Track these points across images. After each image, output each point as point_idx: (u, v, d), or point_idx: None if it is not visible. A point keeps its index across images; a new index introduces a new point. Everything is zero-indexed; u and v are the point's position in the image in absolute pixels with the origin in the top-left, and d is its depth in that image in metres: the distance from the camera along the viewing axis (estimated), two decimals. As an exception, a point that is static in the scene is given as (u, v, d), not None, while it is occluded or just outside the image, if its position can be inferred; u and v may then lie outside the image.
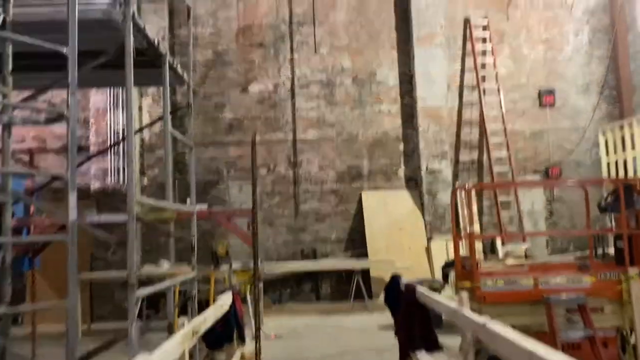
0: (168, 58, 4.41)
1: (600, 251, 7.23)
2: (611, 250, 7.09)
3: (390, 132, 11.15)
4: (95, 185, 10.04)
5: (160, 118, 5.07)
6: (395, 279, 5.15)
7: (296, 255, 10.71)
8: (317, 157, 10.99)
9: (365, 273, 10.02)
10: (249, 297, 7.79)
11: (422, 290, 4.17)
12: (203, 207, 7.78)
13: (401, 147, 11.15)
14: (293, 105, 11.04)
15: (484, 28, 11.25)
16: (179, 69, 4.79)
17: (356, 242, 10.73)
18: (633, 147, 9.76)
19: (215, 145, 10.85)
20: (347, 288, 10.17)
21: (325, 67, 11.13)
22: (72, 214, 3.04)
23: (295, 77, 11.07)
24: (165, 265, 9.15)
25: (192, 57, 5.31)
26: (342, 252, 10.76)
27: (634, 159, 9.76)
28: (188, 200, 5.69)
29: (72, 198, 3.04)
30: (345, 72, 11.16)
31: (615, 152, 10.36)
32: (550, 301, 5.22)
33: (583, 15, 11.41)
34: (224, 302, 4.29)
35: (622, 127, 10.17)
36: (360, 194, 10.88)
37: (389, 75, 11.23)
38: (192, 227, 4.89)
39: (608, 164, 10.62)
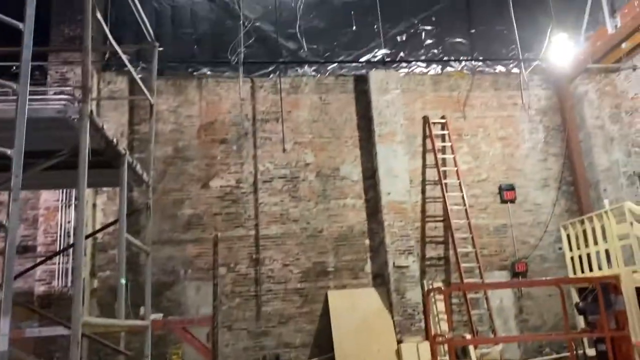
0: (127, 158, 4.11)
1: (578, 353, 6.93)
2: (590, 352, 6.82)
3: (356, 227, 10.94)
4: (39, 288, 9.22)
5: (115, 221, 4.66)
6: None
7: (257, 362, 9.94)
8: (281, 254, 10.57)
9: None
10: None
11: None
12: (158, 316, 7.15)
13: (367, 242, 10.91)
14: (256, 200, 10.76)
15: (442, 126, 11.55)
16: (139, 169, 4.48)
17: (322, 347, 10.08)
18: (595, 242, 9.80)
19: (172, 243, 10.31)
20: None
21: (289, 162, 11.04)
22: (3, 344, 2.54)
23: (258, 172, 10.89)
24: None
25: (152, 155, 5.02)
26: (307, 358, 10.06)
27: (597, 253, 9.78)
28: (142, 309, 5.15)
29: (5, 324, 2.55)
30: (309, 167, 11.08)
31: (578, 247, 10.39)
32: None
33: (536, 115, 11.92)
34: None
35: (582, 222, 10.28)
36: (327, 294, 10.40)
37: (353, 170, 11.21)
38: (145, 344, 4.33)
39: (572, 259, 10.59)
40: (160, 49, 10.69)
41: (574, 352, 6.12)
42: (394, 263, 10.48)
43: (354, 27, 11.62)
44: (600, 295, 5.74)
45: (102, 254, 9.93)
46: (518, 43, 10.27)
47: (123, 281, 3.81)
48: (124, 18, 10.48)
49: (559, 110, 11.96)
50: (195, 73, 11.18)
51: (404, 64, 11.75)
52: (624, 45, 10.27)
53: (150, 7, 10.96)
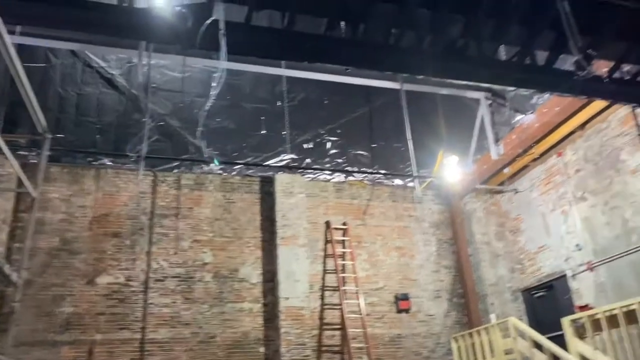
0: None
1: None
2: None
3: (251, 333, 10.50)
4: None
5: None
6: None
7: None
8: (168, 361, 9.81)
9: None
10: None
11: None
12: None
13: (262, 349, 10.45)
14: (145, 300, 10.10)
15: (344, 232, 11.81)
16: (7, 269, 4.07)
17: None
18: (484, 356, 10.07)
19: (44, 345, 9.25)
20: None
21: (186, 261, 10.62)
22: None
23: (151, 270, 10.33)
24: None
25: (27, 252, 4.60)
26: None
27: (485, 367, 10.02)
28: None
29: None
30: (207, 267, 10.71)
31: (467, 359, 10.60)
32: None
33: (430, 228, 12.57)
34: None
35: (471, 335, 10.60)
36: (213, 406, 9.66)
37: (253, 272, 10.98)
38: None
39: (463, 371, 10.76)
40: (60, 136, 10.36)
41: None
42: (288, 373, 10.06)
43: (263, 131, 11.94)
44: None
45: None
46: (413, 161, 11.02)
47: None
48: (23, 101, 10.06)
49: (450, 224, 12.71)
50: (94, 163, 10.77)
51: (309, 170, 12.12)
52: (506, 170, 11.34)
53: (54, 92, 10.66)
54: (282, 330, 10.34)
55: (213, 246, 10.92)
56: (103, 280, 10.02)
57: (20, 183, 9.84)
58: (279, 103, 11.90)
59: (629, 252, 8.82)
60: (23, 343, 9.05)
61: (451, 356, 11.24)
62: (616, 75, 6.12)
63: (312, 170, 12.14)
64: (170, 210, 10.93)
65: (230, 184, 11.57)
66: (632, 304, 8.21)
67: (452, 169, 11.36)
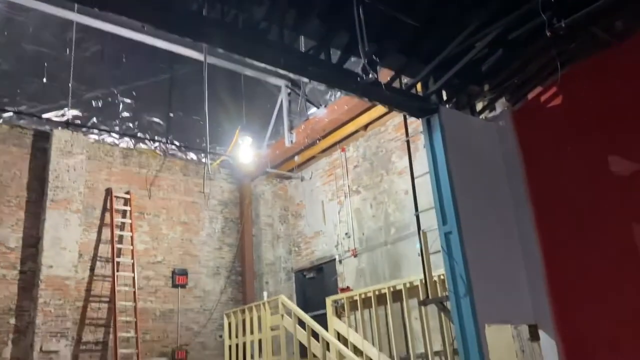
0: None
1: None
2: None
3: (2, 302, 9.31)
4: None
5: None
6: None
7: None
8: None
9: None
10: None
11: None
12: None
13: (12, 321, 9.35)
14: None
15: (126, 202, 11.18)
16: None
17: None
18: (252, 332, 10.50)
19: None
20: None
21: None
22: None
23: None
24: None
25: None
26: None
27: (252, 342, 10.46)
28: None
29: None
30: (-49, 225, 9.17)
31: (237, 335, 10.94)
32: None
33: (218, 205, 12.61)
34: None
35: (243, 312, 10.95)
36: (-60, 385, 8.34)
37: (11, 235, 9.73)
38: None
39: (230, 347, 11.07)
40: None
41: None
42: (41, 347, 9.16)
43: (44, 79, 10.62)
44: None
45: None
46: (207, 135, 10.91)
47: None
48: None
49: (238, 204, 12.92)
50: None
51: (94, 130, 11.16)
52: (296, 158, 11.93)
53: None
54: (40, 300, 9.38)
55: (-37, 201, 9.39)
56: None
57: None
58: (68, 51, 10.69)
59: (387, 243, 10.02)
60: None
61: (221, 332, 11.49)
62: (395, 84, 6.84)
63: (97, 131, 11.21)
64: None
65: (-4, 133, 10.06)
66: (383, 288, 9.36)
67: (246, 149, 11.54)
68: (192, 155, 12.55)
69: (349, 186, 11.17)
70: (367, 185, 10.75)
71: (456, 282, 6.44)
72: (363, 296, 9.67)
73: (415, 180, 7.63)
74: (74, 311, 9.85)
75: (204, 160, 12.49)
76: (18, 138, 10.30)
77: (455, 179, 6.77)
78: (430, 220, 7.91)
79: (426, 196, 8.14)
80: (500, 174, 7.20)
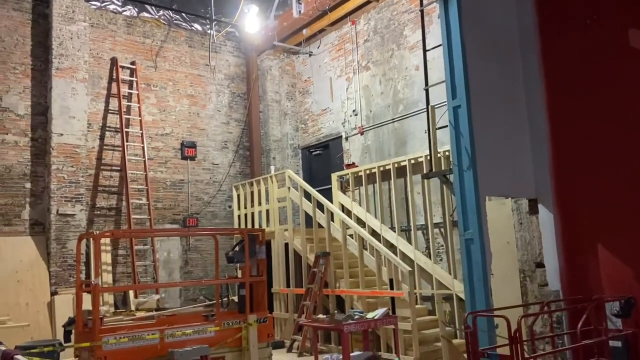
0: None
1: (224, 300, 7.56)
2: (235, 298, 7.51)
3: (16, 168, 9.60)
4: None
5: None
6: (-11, 347, 4.13)
7: None
8: None
9: (-38, 339, 8.06)
10: None
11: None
12: None
13: (28, 185, 9.70)
14: None
15: (132, 73, 11.05)
16: None
17: (-47, 301, 8.59)
18: (260, 203, 10.89)
19: None
20: None
21: None
22: None
23: None
24: None
25: None
26: None
27: (260, 213, 10.89)
28: None
29: None
30: (-41, 90, 9.18)
31: (245, 206, 11.37)
32: (174, 356, 5.05)
33: (225, 80, 12.45)
34: None
35: (251, 184, 11.28)
36: (-35, 240, 8.86)
37: (19, 103, 9.76)
38: None
39: (239, 217, 11.55)
40: None
41: (220, 297, 6.63)
42: (57, 210, 9.59)
43: (40, -62, 10.00)
44: (246, 245, 6.36)
45: None
46: (213, 3, 10.43)
47: None
48: None
49: (245, 79, 12.75)
50: None
51: (96, -4, 10.74)
52: (304, 31, 11.52)
53: None
54: (53, 167, 9.64)
55: (-32, 67, 9.31)
56: None
57: None
58: None
59: (394, 120, 9.99)
60: None
61: (231, 202, 11.92)
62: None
63: (99, -4, 10.78)
64: None
65: (-6, -5, 9.69)
66: (388, 164, 9.51)
67: (252, 18, 11.13)
68: (197, 26, 12.15)
69: (358, 62, 10.90)
70: (377, 61, 10.49)
71: (460, 155, 6.50)
72: (368, 172, 9.86)
73: (427, 54, 7.40)
74: (87, 178, 10.15)
75: (209, 31, 12.11)
76: (17, 2, 9.94)
77: (469, 52, 6.57)
78: (439, 96, 7.83)
79: (436, 72, 7.98)
80: (515, 48, 6.97)
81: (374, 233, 9.41)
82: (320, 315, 7.42)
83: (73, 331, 7.36)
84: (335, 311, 8.05)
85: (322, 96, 11.82)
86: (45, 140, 9.83)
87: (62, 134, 9.80)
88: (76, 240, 9.47)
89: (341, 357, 6.50)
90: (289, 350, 8.80)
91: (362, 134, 10.71)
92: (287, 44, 12.10)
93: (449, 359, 7.25)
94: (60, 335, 8.31)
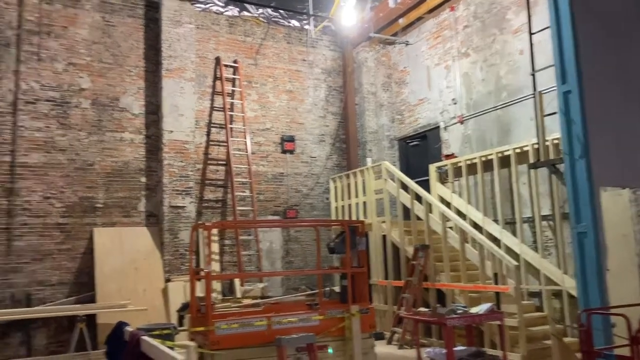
0: None
1: (327, 290, 7.71)
2: (337, 289, 7.64)
3: (132, 163, 10.38)
4: None
5: None
6: (119, 327, 4.53)
7: (4, 301, 8.93)
8: (42, 185, 9.52)
9: (93, 320, 8.91)
10: None
11: (147, 340, 3.69)
12: None
13: (143, 180, 10.46)
14: (14, 123, 9.42)
15: (234, 71, 11.52)
16: None
17: (84, 285, 9.49)
18: (356, 195, 10.96)
19: None
20: (69, 337, 8.86)
21: (60, 85, 9.87)
22: None
23: (19, 91, 9.51)
24: None
25: None
26: (64, 296, 9.38)
27: (357, 205, 10.97)
28: None
29: None
30: (84, 93, 10.07)
31: (342, 198, 11.50)
32: (281, 343, 5.24)
33: (322, 74, 12.63)
34: None
35: (348, 176, 11.37)
36: (92, 231, 9.74)
37: (134, 103, 10.53)
38: None
39: (336, 208, 11.71)
40: None
41: (322, 286, 6.79)
42: (169, 203, 10.27)
43: (150, -52, 10.71)
44: (347, 236, 6.44)
45: None
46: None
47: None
48: None
49: (341, 72, 12.85)
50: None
51: (200, -1, 11.31)
52: (400, 20, 11.38)
53: None
54: (165, 162, 10.32)
55: (91, 71, 10.17)
56: (-38, 97, 9.10)
57: None
58: None
59: (496, 108, 9.60)
60: None
61: (328, 194, 12.11)
62: None
63: (203, -1, 11.35)
64: (41, 27, 9.81)
65: (111, 4, 10.50)
66: (490, 154, 9.17)
67: (349, 11, 11.17)
68: (294, 22, 12.42)
69: (457, 49, 10.58)
70: (478, 47, 10.12)
71: (572, 144, 6.15)
72: (468, 162, 9.57)
73: (533, 38, 7.04)
74: (195, 172, 10.76)
75: (306, 26, 12.33)
76: (131, 9, 10.71)
77: (579, 34, 6.19)
78: (546, 81, 7.42)
79: (542, 56, 7.56)
80: (632, 28, 6.44)
81: (475, 226, 9.13)
82: (422, 309, 7.35)
83: (185, 316, 7.88)
84: (437, 305, 7.92)
85: (419, 86, 11.63)
86: (158, 137, 10.53)
87: (172, 131, 10.45)
88: (186, 230, 10.18)
89: (444, 351, 6.41)
90: (389, 342, 8.81)
91: (462, 123, 10.40)
92: (382, 35, 12.03)
93: (560, 357, 6.88)
94: (173, 319, 8.93)
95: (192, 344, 2.75)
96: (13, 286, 9.06)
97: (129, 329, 4.42)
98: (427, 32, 11.39)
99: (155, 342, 3.52)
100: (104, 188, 10.04)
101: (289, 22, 12.36)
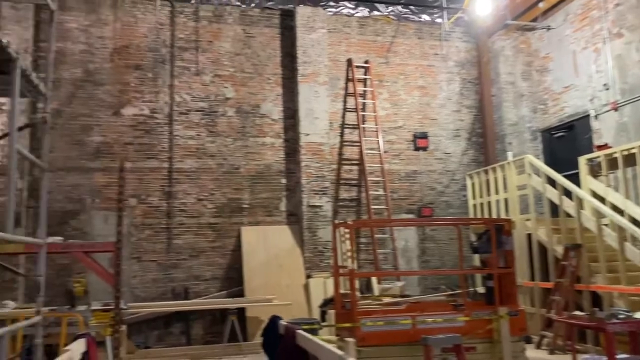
0: (20, 63, 3.77)
1: (470, 290, 7.47)
2: (481, 290, 7.37)
3: (273, 166, 10.95)
4: None
5: (7, 134, 4.33)
6: (274, 320, 4.80)
7: (166, 294, 9.92)
8: (195, 189, 10.41)
9: (242, 313, 9.55)
10: (108, 341, 6.93)
11: (303, 334, 3.87)
12: (57, 239, 6.85)
13: (283, 181, 10.97)
14: (171, 132, 10.42)
15: (365, 71, 11.62)
16: (34, 78, 4.14)
17: (233, 280, 10.22)
18: (496, 192, 10.47)
19: (78, 171, 9.83)
20: (221, 329, 9.59)
21: (208, 95, 10.72)
22: None
23: (174, 103, 10.50)
24: (10, 306, 7.95)
25: (52, 64, 4.65)
26: (217, 290, 10.17)
27: (497, 202, 10.47)
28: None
29: None
30: (229, 102, 10.83)
31: (480, 195, 11.06)
32: (428, 342, 5.19)
33: (455, 67, 12.27)
34: (73, 352, 3.63)
35: (486, 172, 10.91)
36: (240, 229, 10.44)
37: (273, 109, 11.09)
38: (39, 263, 4.14)
39: (474, 206, 11.29)
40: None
41: (466, 287, 6.60)
42: (308, 202, 10.66)
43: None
44: (493, 236, 6.18)
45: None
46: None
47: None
48: None
49: (476, 63, 12.37)
50: (109, -10, 10.40)
51: (332, 3, 11.57)
52: (540, 4, 10.67)
53: None
54: (303, 163, 10.73)
55: (234, 81, 10.92)
56: (128, 111, 10.26)
57: (37, 9, 9.70)
58: None
59: (658, 91, 8.60)
60: (59, 169, 9.62)
61: (465, 192, 11.72)
62: None
63: (334, 3, 11.59)
64: (190, 43, 10.76)
65: (250, 16, 11.18)
66: (652, 143, 8.23)
67: (483, 1, 10.71)
68: (425, 17, 12.21)
69: (608, 29, 9.65)
70: (632, 26, 9.14)
71: None
72: (625, 153, 8.67)
73: None
74: (330, 172, 11.05)
75: (438, 20, 12.06)
76: (268, 19, 11.29)
77: None
78: None
79: None
80: None
81: (635, 222, 8.25)
82: (577, 312, 6.82)
83: (327, 311, 8.11)
84: (595, 309, 7.30)
85: (563, 72, 10.79)
86: (295, 140, 10.98)
87: (308, 134, 10.84)
88: (324, 229, 10.50)
89: (604, 358, 5.89)
90: (538, 346, 8.31)
91: (616, 110, 9.47)
92: (520, 21, 11.36)
93: None
94: (315, 314, 9.25)
95: (350, 339, 2.83)
96: (174, 280, 10.01)
97: (283, 322, 4.68)
98: (572, 14, 10.52)
99: (313, 337, 3.68)
100: (249, 190, 10.70)
101: (420, 17, 12.18)
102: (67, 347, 3.78)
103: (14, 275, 8.76)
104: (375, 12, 11.93)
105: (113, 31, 10.35)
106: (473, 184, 11.34)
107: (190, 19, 10.80)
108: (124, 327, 6.46)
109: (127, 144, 10.16)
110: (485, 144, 12.13)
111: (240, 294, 9.90)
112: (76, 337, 4.24)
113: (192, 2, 10.79)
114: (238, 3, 11.09)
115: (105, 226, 9.73)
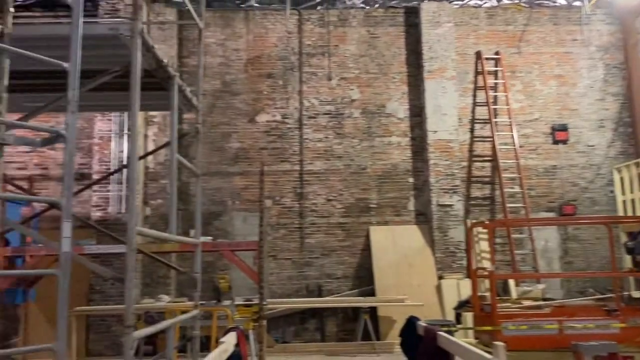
0: (177, 80, 4.18)
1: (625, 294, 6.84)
2: (636, 294, 6.72)
3: (400, 165, 10.90)
4: (96, 214, 9.73)
5: (167, 144, 4.80)
6: (411, 321, 4.78)
7: (301, 291, 10.32)
8: (325, 189, 10.71)
9: (373, 311, 9.63)
10: (251, 335, 7.38)
11: (446, 336, 3.81)
12: (208, 239, 7.45)
13: (411, 180, 10.88)
14: (301, 135, 10.83)
15: (496, 63, 11.12)
16: (188, 93, 4.56)
17: (363, 279, 10.35)
18: (651, 186, 9.46)
19: (220, 175, 10.60)
20: (354, 327, 9.76)
21: (335, 99, 10.97)
22: (65, 245, 2.73)
23: (303, 108, 10.89)
24: (165, 300, 8.79)
25: (201, 79, 5.07)
26: (348, 289, 10.36)
27: (652, 197, 9.45)
28: (192, 232, 5.37)
29: (66, 227, 2.74)
30: (355, 103, 10.98)
31: (631, 190, 10.05)
32: (579, 349, 4.83)
33: (597, 52, 11.29)
34: (228, 344, 3.93)
35: (637, 165, 9.89)
36: (368, 229, 10.54)
37: (399, 108, 11.04)
38: (196, 261, 4.54)
39: (624, 202, 10.29)
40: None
41: (620, 292, 6.03)
42: (437, 202, 10.45)
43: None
44: (652, 235, 5.59)
45: (153, 183, 10.29)
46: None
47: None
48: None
49: (622, 47, 11.26)
50: (242, 5, 11.07)
51: (457, -4, 11.25)
52: (701, -26, 9.42)
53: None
54: (431, 162, 10.55)
55: (359, 83, 11.05)
56: (262, 118, 10.85)
57: (180, 28, 10.61)
58: None
59: None
60: (204, 173, 10.41)
61: (612, 187, 10.72)
62: None
63: (460, -4, 11.25)
64: (317, 49, 11.09)
65: (374, 17, 11.25)
66: None
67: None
68: (560, 1, 11.38)
69: None
70: None
71: None
72: None
73: None
74: (460, 170, 10.72)
75: (575, 3, 11.18)
76: (392, 18, 11.27)
77: None
78: None
79: None
80: None
81: None
82: None
83: (462, 314, 7.88)
84: None
85: None
86: (422, 138, 10.83)
87: (436, 131, 10.63)
88: (455, 229, 10.23)
89: None
90: None
91: None
92: (676, -4, 10.14)
93: None
94: (448, 316, 9.04)
95: (500, 343, 2.73)
96: (307, 278, 10.39)
97: (421, 323, 4.65)
98: None
99: (457, 339, 3.61)
100: (376, 189, 10.76)
101: (555, 2, 11.38)
102: (222, 339, 4.09)
103: (167, 272, 9.67)
104: (505, 1, 11.37)
105: (246, 43, 11.00)
106: (622, 179, 10.34)
107: (317, 25, 11.13)
108: (264, 322, 6.83)
109: (262, 149, 10.74)
110: (635, 134, 10.99)
111: (372, 293, 9.98)
112: (228, 330, 4.58)
113: (319, 8, 11.11)
114: (362, 5, 11.20)
115: (244, 226, 10.38)
